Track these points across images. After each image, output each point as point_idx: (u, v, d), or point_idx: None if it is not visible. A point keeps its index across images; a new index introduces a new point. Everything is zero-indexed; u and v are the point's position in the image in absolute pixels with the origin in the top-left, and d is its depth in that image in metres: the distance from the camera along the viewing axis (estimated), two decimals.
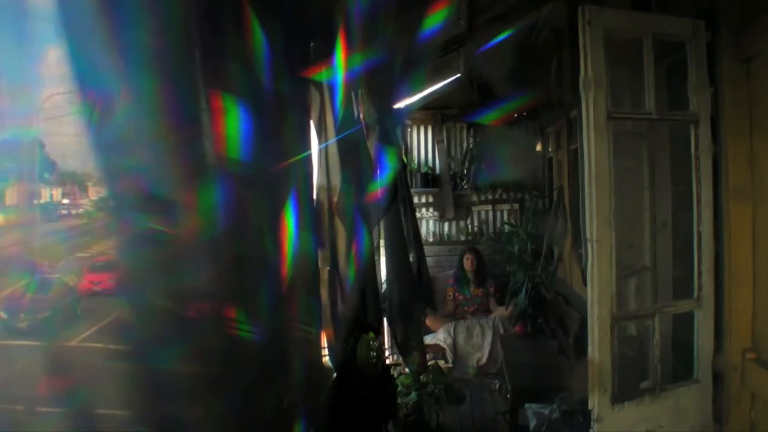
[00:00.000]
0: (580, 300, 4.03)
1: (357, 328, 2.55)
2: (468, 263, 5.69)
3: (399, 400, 3.15)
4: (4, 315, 1.78)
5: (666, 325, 2.62)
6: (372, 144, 2.85)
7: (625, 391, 2.31)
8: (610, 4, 2.50)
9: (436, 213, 6.41)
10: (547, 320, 4.74)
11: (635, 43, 2.37)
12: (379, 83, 2.72)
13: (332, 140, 2.11)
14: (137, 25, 0.98)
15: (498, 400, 4.54)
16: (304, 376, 1.66)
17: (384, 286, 3.52)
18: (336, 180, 2.15)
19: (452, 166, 6.38)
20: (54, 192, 2.28)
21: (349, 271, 2.23)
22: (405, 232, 3.58)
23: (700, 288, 2.38)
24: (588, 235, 2.29)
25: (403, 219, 3.53)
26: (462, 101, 6.04)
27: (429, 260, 4.31)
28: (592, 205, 2.25)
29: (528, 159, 6.10)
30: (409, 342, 3.40)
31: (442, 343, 5.16)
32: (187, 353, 1.10)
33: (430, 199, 6.40)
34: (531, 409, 3.48)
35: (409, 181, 5.30)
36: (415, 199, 5.94)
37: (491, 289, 5.70)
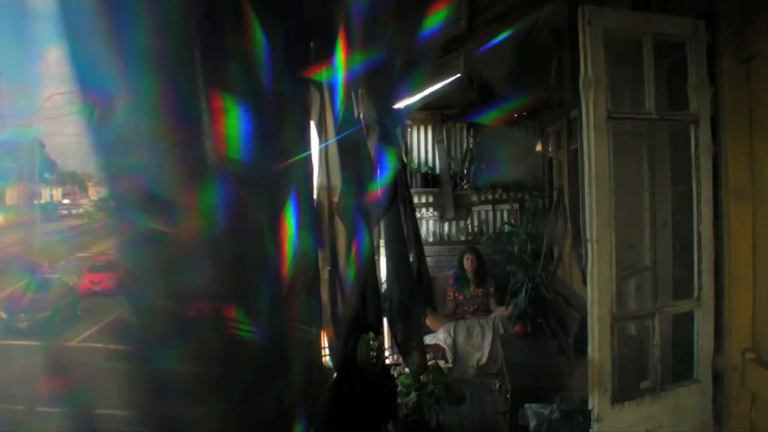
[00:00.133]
0: (580, 300, 4.03)
1: (357, 328, 2.55)
2: (468, 263, 5.69)
3: (399, 400, 3.15)
4: (4, 315, 1.78)
5: (666, 325, 2.62)
6: (372, 144, 2.85)
7: (625, 391, 2.31)
8: (610, 4, 2.50)
9: (436, 213, 6.41)
10: (547, 320, 4.74)
11: (635, 43, 2.37)
12: (379, 83, 2.72)
13: (332, 140, 2.11)
14: (137, 25, 0.98)
15: (498, 400, 4.54)
16: (304, 376, 1.66)
17: (384, 286, 3.52)
18: (336, 180, 2.15)
19: (452, 166, 6.38)
20: (54, 192, 2.28)
21: (349, 271, 2.23)
22: (405, 232, 3.58)
23: (700, 288, 2.38)
24: (588, 235, 2.29)
25: (403, 219, 3.53)
26: (462, 101, 6.04)
27: (429, 260, 4.31)
28: (592, 205, 2.25)
29: (528, 159, 6.10)
30: (409, 342, 3.40)
31: (442, 343, 5.16)
32: (187, 353, 1.10)
33: (430, 199, 6.40)
34: (531, 409, 3.48)
35: (409, 181, 5.30)
36: (415, 199, 5.94)
37: (491, 289, 5.70)
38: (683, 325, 2.52)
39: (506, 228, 5.77)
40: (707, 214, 2.35)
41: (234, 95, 1.28)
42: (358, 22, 2.11)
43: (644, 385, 2.44)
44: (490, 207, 6.43)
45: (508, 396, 3.99)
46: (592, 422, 2.27)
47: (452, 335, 5.18)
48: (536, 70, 5.16)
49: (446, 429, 3.74)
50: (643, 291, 2.81)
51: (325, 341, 2.12)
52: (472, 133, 6.32)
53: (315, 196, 2.00)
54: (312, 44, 1.92)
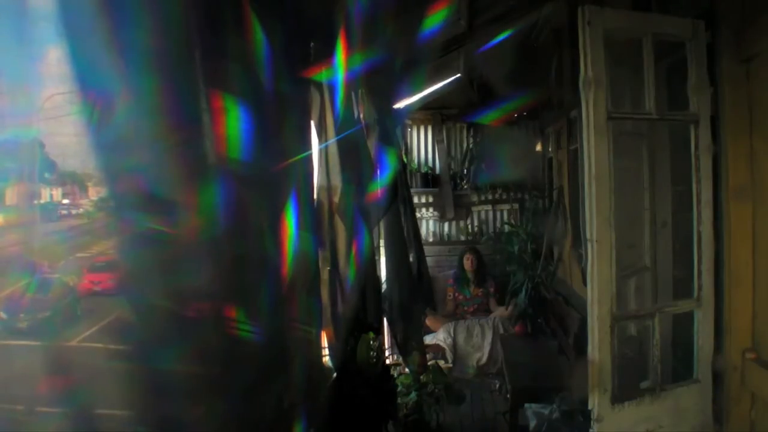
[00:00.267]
0: (580, 300, 4.03)
1: (357, 328, 2.55)
2: (468, 263, 5.69)
3: (399, 400, 3.15)
4: (4, 315, 1.78)
5: (666, 325, 2.62)
6: (372, 144, 2.85)
7: (625, 391, 2.31)
8: (610, 4, 2.50)
9: (436, 213, 6.41)
10: (547, 320, 4.74)
11: (635, 43, 2.37)
12: (379, 83, 2.72)
13: (332, 140, 2.11)
14: (137, 25, 0.98)
15: (498, 400, 4.54)
16: (304, 376, 1.66)
17: (384, 286, 3.52)
18: (336, 180, 2.15)
19: (452, 166, 6.38)
20: (54, 192, 2.28)
21: (349, 271, 2.23)
22: (405, 232, 3.58)
23: (700, 288, 2.38)
24: (588, 235, 2.29)
25: (403, 219, 3.53)
26: (462, 101, 6.04)
27: (429, 260, 4.31)
28: (592, 205, 2.25)
29: (528, 159, 6.10)
30: (409, 342, 3.40)
31: (442, 343, 5.16)
32: (187, 353, 1.10)
33: (430, 199, 6.40)
34: (531, 409, 3.48)
35: (409, 181, 5.30)
36: (415, 199, 5.94)
37: (491, 289, 5.70)
38: (683, 325, 2.52)
39: (506, 228, 5.77)
40: (707, 214, 2.35)
41: (234, 95, 1.28)
42: (358, 22, 2.11)
43: (644, 385, 2.44)
44: (490, 207, 6.43)
45: (508, 396, 3.99)
46: (592, 422, 2.27)
47: (452, 335, 5.19)
48: (536, 70, 5.15)
49: (446, 429, 3.74)
50: (643, 291, 2.81)
51: (325, 341, 2.12)
52: (472, 133, 6.32)
53: (315, 196, 2.00)
54: (312, 44, 1.92)
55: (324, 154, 2.11)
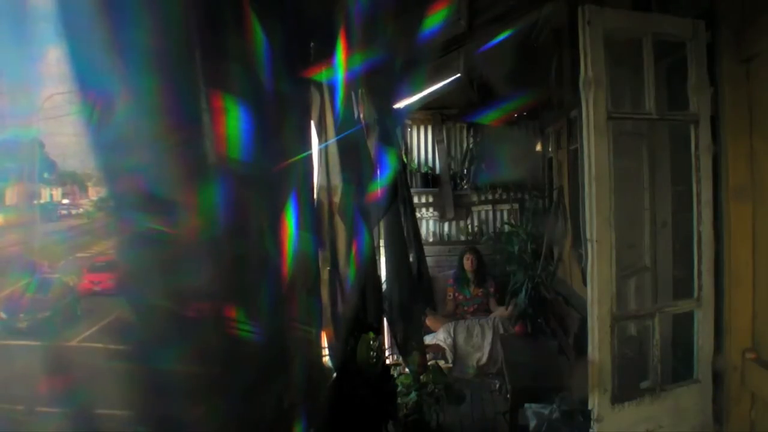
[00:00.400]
0: (580, 300, 4.03)
1: (357, 328, 2.55)
2: (468, 263, 5.69)
3: (399, 400, 3.15)
4: (3, 315, 1.77)
5: (666, 325, 2.62)
6: (372, 144, 2.85)
7: (625, 391, 2.31)
8: (610, 4, 2.50)
9: (436, 213, 6.41)
10: (547, 320, 4.74)
11: (635, 43, 2.37)
12: (379, 83, 2.72)
13: (332, 140, 2.11)
14: (137, 25, 0.98)
15: (498, 400, 4.54)
16: (304, 376, 1.66)
17: (384, 286, 3.52)
18: (336, 180, 2.15)
19: (452, 166, 6.38)
20: (54, 192, 2.28)
21: (349, 271, 2.23)
22: (405, 232, 3.58)
23: (700, 288, 2.38)
24: (588, 235, 2.29)
25: (403, 219, 3.53)
26: (462, 101, 6.04)
27: (429, 260, 4.31)
28: (592, 205, 2.25)
29: (528, 159, 6.10)
30: (409, 342, 3.40)
31: (442, 343, 5.16)
32: (187, 353, 1.10)
33: (430, 199, 6.40)
34: (531, 409, 3.48)
35: (409, 181, 5.30)
36: (415, 199, 5.94)
37: (491, 289, 5.70)
38: (683, 325, 2.52)
39: (506, 228, 5.77)
40: (707, 214, 2.35)
41: (234, 95, 1.28)
42: (358, 22, 2.11)
43: (644, 385, 2.44)
44: (490, 207, 6.43)
45: (508, 396, 3.99)
46: (592, 422, 2.27)
47: (452, 335, 5.18)
48: (536, 70, 5.15)
49: (446, 429, 3.74)
50: (643, 291, 2.81)
51: (325, 341, 2.12)
52: (472, 133, 6.32)
53: (315, 196, 2.00)
54: (312, 44, 1.92)
55: (324, 154, 2.11)
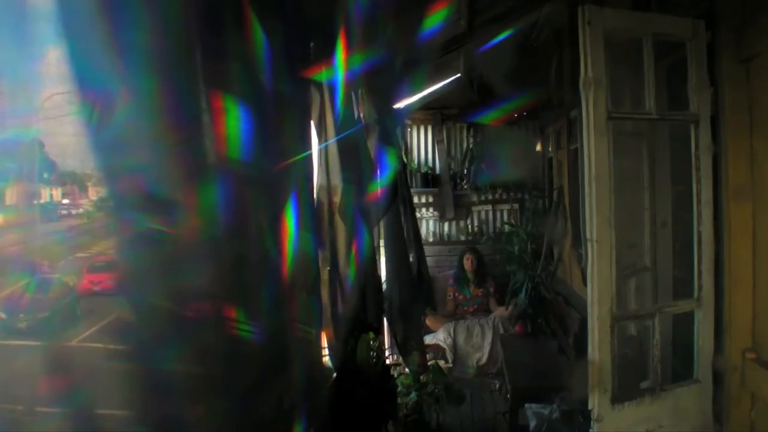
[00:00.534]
0: (580, 300, 4.03)
1: (357, 328, 2.55)
2: (468, 263, 5.69)
3: (399, 400, 3.15)
4: (3, 315, 1.77)
5: (666, 325, 2.62)
6: (372, 144, 2.85)
7: (625, 391, 2.31)
8: (610, 4, 2.50)
9: (436, 213, 6.41)
10: (547, 320, 4.74)
11: (635, 43, 2.37)
12: (379, 83, 2.71)
13: (332, 140, 2.11)
14: (137, 25, 0.98)
15: (498, 400, 4.54)
16: (304, 376, 1.66)
17: (384, 286, 3.52)
18: (336, 180, 2.15)
19: (452, 166, 6.38)
20: (54, 192, 2.28)
21: (349, 271, 2.23)
22: (405, 232, 3.58)
23: (700, 288, 2.38)
24: (588, 235, 2.29)
25: (403, 219, 3.53)
26: (462, 101, 6.04)
27: (429, 260, 4.31)
28: (592, 205, 2.25)
29: (528, 159, 6.10)
30: (409, 342, 3.40)
31: (442, 343, 5.16)
32: (187, 353, 1.10)
33: (430, 199, 6.39)
34: (531, 409, 3.48)
35: (409, 181, 5.30)
36: (415, 199, 5.94)
37: (491, 289, 5.70)
38: (683, 325, 2.52)
39: (506, 228, 5.77)
40: (707, 214, 2.35)
41: (234, 95, 1.28)
42: (358, 22, 2.11)
43: (644, 385, 2.44)
44: (490, 207, 6.43)
45: (508, 396, 3.99)
46: (592, 422, 2.27)
47: (452, 335, 5.18)
48: (536, 70, 5.16)
49: (446, 429, 3.74)
50: (643, 291, 2.81)
51: (325, 341, 2.12)
52: (472, 133, 6.32)
53: (315, 196, 2.00)
54: (312, 44, 1.92)
55: (324, 154, 2.11)
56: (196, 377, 1.13)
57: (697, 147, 2.36)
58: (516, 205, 6.36)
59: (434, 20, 2.65)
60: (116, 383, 1.09)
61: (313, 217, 1.93)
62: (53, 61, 0.92)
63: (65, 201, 2.30)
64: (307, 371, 1.71)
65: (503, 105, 5.63)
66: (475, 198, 6.39)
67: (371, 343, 2.60)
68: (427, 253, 4.16)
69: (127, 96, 0.98)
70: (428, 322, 5.31)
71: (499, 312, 5.37)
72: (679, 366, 2.58)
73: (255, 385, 1.33)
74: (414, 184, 6.05)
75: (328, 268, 2.13)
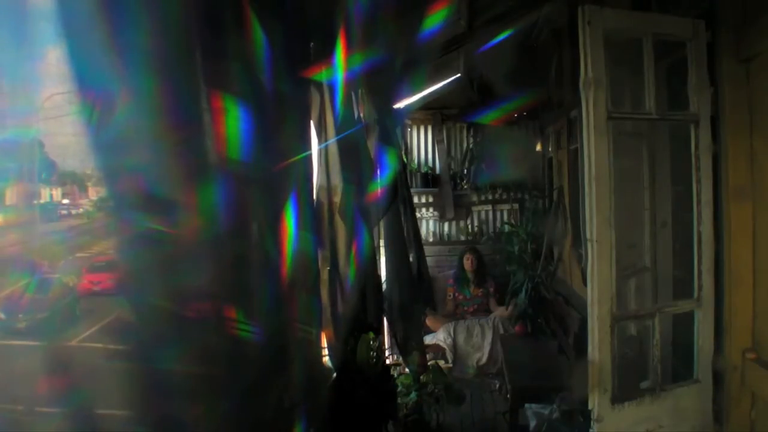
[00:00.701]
0: (580, 300, 4.03)
1: (357, 328, 2.55)
2: (468, 263, 5.69)
3: (399, 400, 3.15)
4: (2, 315, 1.77)
5: (666, 325, 2.62)
6: (372, 144, 2.85)
7: (625, 391, 2.31)
8: (610, 4, 2.50)
9: (436, 213, 6.41)
10: (547, 320, 4.74)
11: (635, 43, 2.37)
12: (379, 83, 2.71)
13: (332, 140, 2.11)
14: (137, 25, 0.98)
15: (498, 400, 4.54)
16: (304, 376, 1.66)
17: (384, 286, 3.52)
18: (336, 180, 2.15)
19: (452, 166, 6.38)
20: (54, 192, 2.28)
21: (349, 271, 2.23)
22: (405, 232, 3.58)
23: (700, 288, 2.38)
24: (588, 235, 2.29)
25: (403, 219, 3.53)
26: (462, 101, 6.04)
27: (429, 260, 4.31)
28: (592, 205, 2.25)
29: (528, 159, 6.10)
30: (409, 342, 3.40)
31: (442, 343, 5.16)
32: (187, 353, 1.10)
33: (430, 199, 6.39)
34: (531, 409, 3.48)
35: (409, 181, 5.30)
36: (415, 199, 5.94)
37: (491, 289, 5.70)
38: (683, 325, 2.52)
39: (506, 228, 5.76)
40: (707, 214, 2.35)
41: (234, 95, 1.28)
42: (358, 22, 2.11)
43: (644, 385, 2.44)
44: (490, 207, 6.43)
45: (508, 396, 3.99)
46: (592, 422, 2.27)
47: (452, 335, 5.18)
48: (536, 70, 5.16)
49: (446, 429, 3.74)
50: (643, 291, 2.81)
51: (325, 341, 2.12)
52: (472, 133, 6.32)
53: (315, 196, 2.00)
54: (312, 44, 1.92)
55: (324, 154, 2.11)
56: (195, 377, 1.13)
57: (697, 147, 2.36)
58: (516, 205, 6.36)
59: (434, 20, 2.65)
60: (116, 383, 1.09)
61: (313, 217, 1.93)
62: (53, 61, 0.92)
63: (65, 201, 2.30)
64: (307, 371, 1.71)
65: (503, 105, 5.63)
66: (475, 198, 6.39)
67: (371, 343, 2.60)
68: (427, 253, 4.16)
69: (127, 96, 0.97)
70: (428, 322, 5.31)
71: (499, 312, 5.37)
72: (679, 366, 2.58)
73: (255, 385, 1.33)
74: (414, 184, 6.05)
75: (328, 268, 2.13)
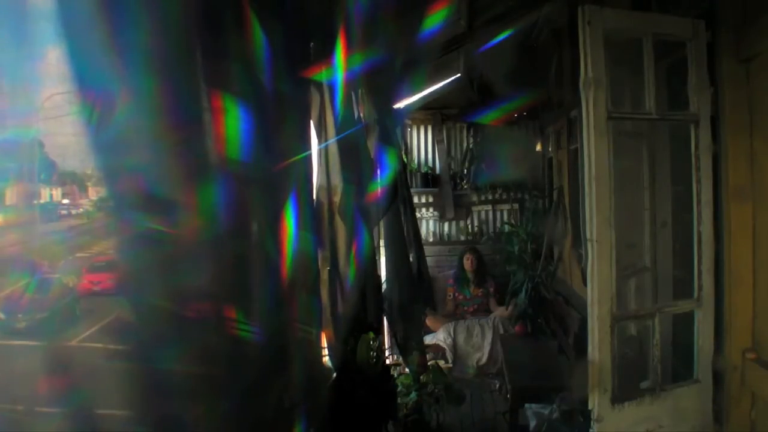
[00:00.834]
0: (580, 300, 4.03)
1: (357, 328, 2.55)
2: (468, 263, 5.69)
3: (399, 400, 3.15)
4: (2, 315, 1.77)
5: (666, 325, 2.62)
6: (372, 144, 2.85)
7: (625, 391, 2.31)
8: (610, 4, 2.50)
9: (436, 213, 6.41)
10: (547, 320, 4.74)
11: (635, 43, 2.37)
12: (379, 83, 2.71)
13: (332, 140, 2.11)
14: (137, 24, 0.98)
15: (498, 400, 4.54)
16: (304, 376, 1.66)
17: (384, 286, 3.52)
18: (336, 180, 2.15)
19: (452, 166, 6.38)
20: (54, 192, 2.28)
21: (349, 271, 2.23)
22: (405, 232, 3.57)
23: (700, 288, 2.38)
24: (588, 235, 2.29)
25: (403, 219, 3.53)
26: (462, 101, 6.04)
27: (429, 260, 4.31)
28: (592, 205, 2.25)
29: (528, 159, 6.10)
30: (409, 342, 3.40)
31: (442, 343, 5.16)
32: (187, 353, 1.10)
33: (430, 199, 6.40)
34: (531, 409, 3.48)
35: (409, 181, 5.30)
36: (415, 199, 5.94)
37: (491, 289, 5.70)
38: (683, 325, 2.52)
39: (506, 228, 5.76)
40: (707, 214, 2.35)
41: (234, 95, 1.28)
42: (358, 22, 2.11)
43: (644, 385, 2.44)
44: (490, 207, 6.43)
45: (508, 396, 3.99)
46: (592, 422, 2.27)
47: (452, 335, 5.18)
48: (536, 70, 5.16)
49: (446, 429, 3.74)
50: (643, 291, 2.81)
51: (325, 341, 2.12)
52: (472, 133, 6.32)
53: (315, 196, 2.00)
54: (312, 44, 1.92)
55: (324, 154, 2.11)
56: (196, 377, 1.13)
57: (697, 147, 2.36)
58: (516, 205, 6.36)
59: (434, 20, 2.65)
60: (116, 383, 1.09)
61: (313, 217, 1.93)
62: (53, 61, 0.92)
63: (65, 201, 2.30)
64: (307, 371, 1.71)
65: (503, 105, 5.63)
66: (475, 198, 6.39)
67: (371, 343, 2.60)
68: (427, 253, 4.16)
69: (127, 96, 0.97)
70: (428, 322, 5.31)
71: (499, 312, 5.37)
72: (679, 366, 2.58)
73: (255, 385, 1.33)
74: (414, 184, 6.05)
75: (328, 268, 2.13)
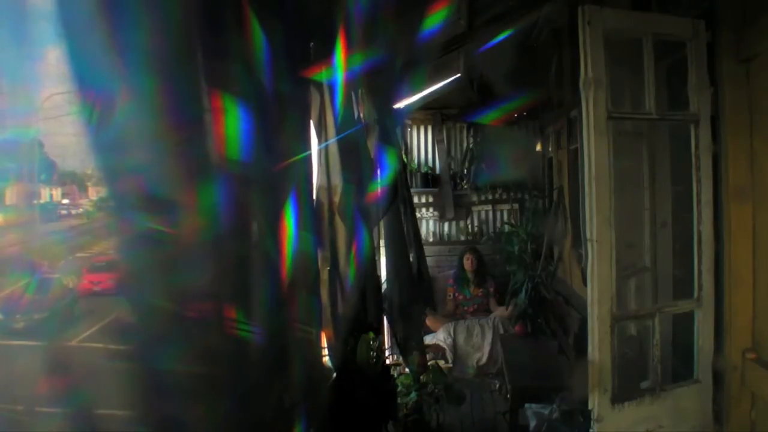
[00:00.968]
0: (580, 300, 4.03)
1: (357, 328, 2.55)
2: (468, 263, 5.69)
3: (399, 400, 3.15)
4: (1, 315, 1.77)
5: (666, 325, 2.62)
6: (372, 144, 2.85)
7: (625, 391, 2.31)
8: (610, 4, 2.50)
9: (436, 213, 6.41)
10: (547, 320, 4.74)
11: (635, 43, 2.37)
12: (379, 83, 2.72)
13: (332, 140, 2.11)
14: (137, 24, 0.98)
15: (498, 400, 4.54)
16: (304, 376, 1.66)
17: (384, 286, 3.52)
18: (336, 180, 2.15)
19: (452, 166, 6.38)
20: (54, 192, 2.28)
21: (349, 271, 2.23)
22: (405, 232, 3.57)
23: (700, 288, 2.38)
24: (588, 235, 2.29)
25: (403, 219, 3.53)
26: (462, 101, 6.04)
27: (429, 260, 4.31)
28: (592, 205, 2.25)
29: (528, 159, 6.10)
30: (409, 342, 3.40)
31: (442, 343, 5.16)
32: (188, 353, 1.10)
33: (430, 199, 6.39)
34: (531, 409, 3.48)
35: (409, 181, 5.30)
36: (415, 199, 5.94)
37: (491, 289, 5.70)
38: (683, 325, 2.52)
39: (506, 228, 5.76)
40: (707, 214, 2.35)
41: (234, 95, 1.28)
42: (358, 22, 2.11)
43: (644, 385, 2.44)
44: (490, 207, 6.43)
45: (508, 396, 3.99)
46: (592, 422, 2.27)
47: (452, 335, 5.18)
48: (536, 70, 5.16)
49: (446, 429, 3.74)
50: (643, 291, 2.81)
51: (325, 341, 2.12)
52: (472, 133, 6.32)
53: (315, 196, 2.00)
54: (312, 44, 1.92)
55: (324, 154, 2.11)
56: (196, 377, 1.13)
57: (697, 147, 2.36)
58: (516, 205, 6.36)
59: (434, 20, 2.65)
60: (116, 383, 1.09)
61: (313, 217, 1.93)
62: (53, 61, 0.92)
63: (65, 201, 2.30)
64: (307, 371, 1.71)
65: (503, 105, 5.63)
66: (475, 198, 6.39)
67: (371, 343, 2.60)
68: (427, 253, 4.16)
69: (127, 96, 0.97)
70: (428, 322, 5.31)
71: (499, 312, 5.37)
72: (679, 366, 2.58)
73: (255, 385, 1.33)
74: (414, 184, 6.05)
75: (328, 268, 2.13)
